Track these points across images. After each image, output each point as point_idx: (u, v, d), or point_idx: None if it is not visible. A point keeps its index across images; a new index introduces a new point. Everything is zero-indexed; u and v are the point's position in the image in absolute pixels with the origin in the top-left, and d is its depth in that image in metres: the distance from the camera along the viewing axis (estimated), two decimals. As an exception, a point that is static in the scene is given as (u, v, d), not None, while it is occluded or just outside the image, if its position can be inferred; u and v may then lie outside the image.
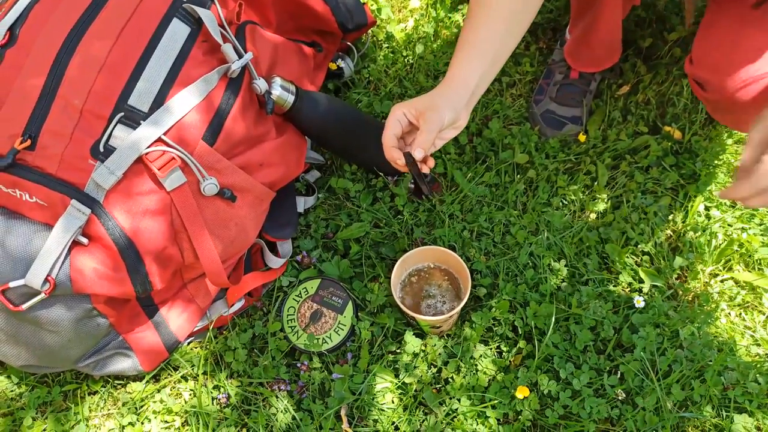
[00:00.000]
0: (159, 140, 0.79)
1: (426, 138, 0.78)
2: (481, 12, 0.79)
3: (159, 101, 0.81)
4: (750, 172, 0.67)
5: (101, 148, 0.78)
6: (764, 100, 0.83)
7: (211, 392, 0.99)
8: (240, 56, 0.88)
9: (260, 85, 0.91)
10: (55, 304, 0.82)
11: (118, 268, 0.80)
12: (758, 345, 1.00)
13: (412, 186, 0.86)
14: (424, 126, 0.78)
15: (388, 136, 0.80)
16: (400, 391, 0.97)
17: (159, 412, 0.98)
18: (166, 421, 0.98)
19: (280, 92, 0.94)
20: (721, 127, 1.19)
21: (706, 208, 1.12)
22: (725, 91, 0.86)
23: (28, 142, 0.78)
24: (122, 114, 0.79)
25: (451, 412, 0.95)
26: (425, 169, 0.81)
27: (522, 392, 0.93)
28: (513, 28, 0.80)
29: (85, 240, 0.79)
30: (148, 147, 0.78)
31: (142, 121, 0.79)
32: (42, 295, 0.78)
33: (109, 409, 1.00)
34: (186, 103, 0.82)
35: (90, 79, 0.79)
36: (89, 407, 1.00)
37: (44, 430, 0.98)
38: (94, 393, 1.01)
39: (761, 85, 0.82)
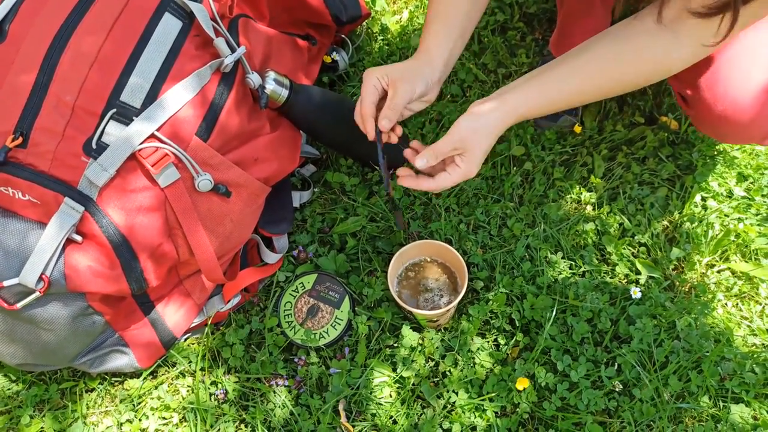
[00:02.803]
0: (152, 136, 0.79)
1: (395, 109, 0.79)
2: None
3: (152, 97, 0.80)
4: (437, 164, 0.79)
5: (94, 145, 0.78)
6: (748, 114, 0.83)
7: (209, 388, 0.99)
8: (233, 50, 0.87)
9: (254, 79, 0.90)
10: (50, 303, 0.81)
11: (113, 265, 0.80)
12: (755, 335, 1.00)
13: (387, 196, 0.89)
14: (394, 96, 0.79)
15: (368, 104, 0.81)
16: (397, 384, 0.97)
17: (157, 409, 0.98)
18: (164, 418, 0.98)
19: (274, 86, 0.93)
20: (718, 117, 1.19)
21: (703, 199, 1.11)
22: (708, 107, 0.85)
23: (20, 140, 0.77)
24: (114, 110, 0.78)
25: (448, 405, 0.95)
26: (393, 139, 0.83)
27: (521, 383, 0.93)
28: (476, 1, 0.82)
29: (79, 238, 0.78)
30: (141, 143, 0.78)
31: (134, 117, 0.79)
32: (36, 294, 0.78)
33: (106, 407, 1.00)
34: (179, 99, 0.81)
35: (81, 75, 0.79)
36: (87, 405, 1.00)
37: (42, 428, 0.98)
38: (92, 390, 1.01)
39: (744, 100, 0.81)
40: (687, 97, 0.90)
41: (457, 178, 0.79)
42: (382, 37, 1.31)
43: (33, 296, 0.78)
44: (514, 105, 0.77)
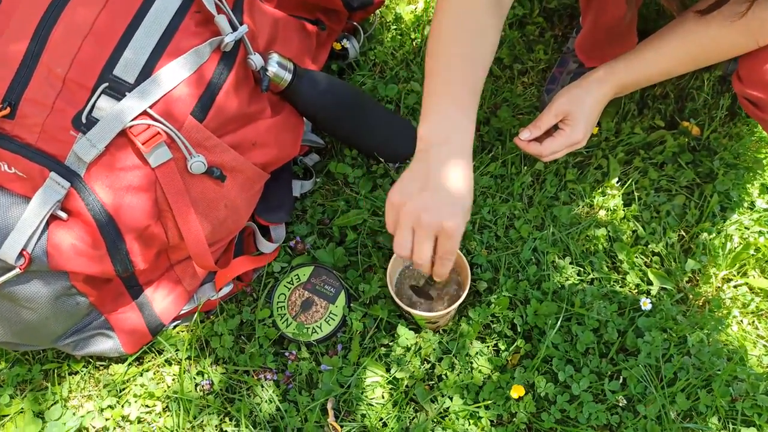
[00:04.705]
0: (145, 113, 0.76)
1: None
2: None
3: (146, 73, 0.77)
4: (550, 134, 0.84)
5: (83, 119, 0.75)
6: None
7: (195, 378, 0.96)
8: (235, 29, 0.83)
9: (255, 60, 0.86)
10: (32, 281, 0.79)
11: (97, 245, 0.77)
12: (771, 355, 0.94)
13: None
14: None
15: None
16: (390, 386, 0.93)
17: (140, 396, 0.95)
18: (147, 406, 0.95)
19: (277, 69, 0.90)
20: (743, 125, 1.13)
21: (723, 209, 1.06)
22: None
23: (8, 110, 0.75)
24: (107, 84, 0.75)
25: (442, 410, 0.91)
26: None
27: (517, 391, 0.89)
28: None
29: (64, 215, 0.75)
30: (132, 120, 0.75)
31: (127, 93, 0.75)
32: (17, 270, 0.75)
33: (89, 391, 0.97)
34: (175, 76, 0.78)
35: (74, 46, 0.76)
36: (69, 387, 0.97)
37: (22, 408, 0.95)
38: (75, 373, 0.98)
39: None
40: (757, 100, 0.81)
41: (562, 141, 0.83)
42: (395, 27, 1.27)
43: (13, 273, 0.75)
44: (619, 75, 0.82)
